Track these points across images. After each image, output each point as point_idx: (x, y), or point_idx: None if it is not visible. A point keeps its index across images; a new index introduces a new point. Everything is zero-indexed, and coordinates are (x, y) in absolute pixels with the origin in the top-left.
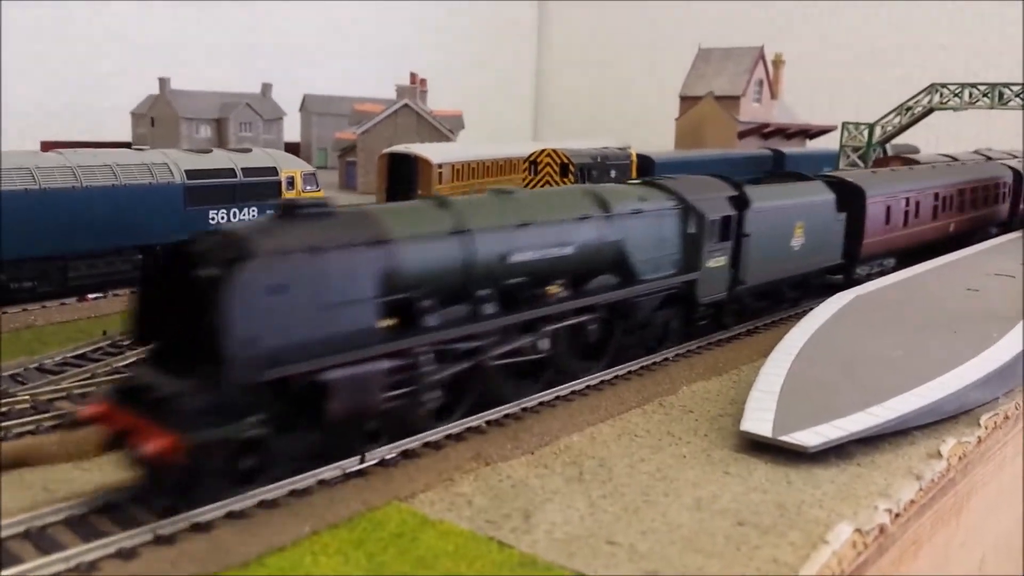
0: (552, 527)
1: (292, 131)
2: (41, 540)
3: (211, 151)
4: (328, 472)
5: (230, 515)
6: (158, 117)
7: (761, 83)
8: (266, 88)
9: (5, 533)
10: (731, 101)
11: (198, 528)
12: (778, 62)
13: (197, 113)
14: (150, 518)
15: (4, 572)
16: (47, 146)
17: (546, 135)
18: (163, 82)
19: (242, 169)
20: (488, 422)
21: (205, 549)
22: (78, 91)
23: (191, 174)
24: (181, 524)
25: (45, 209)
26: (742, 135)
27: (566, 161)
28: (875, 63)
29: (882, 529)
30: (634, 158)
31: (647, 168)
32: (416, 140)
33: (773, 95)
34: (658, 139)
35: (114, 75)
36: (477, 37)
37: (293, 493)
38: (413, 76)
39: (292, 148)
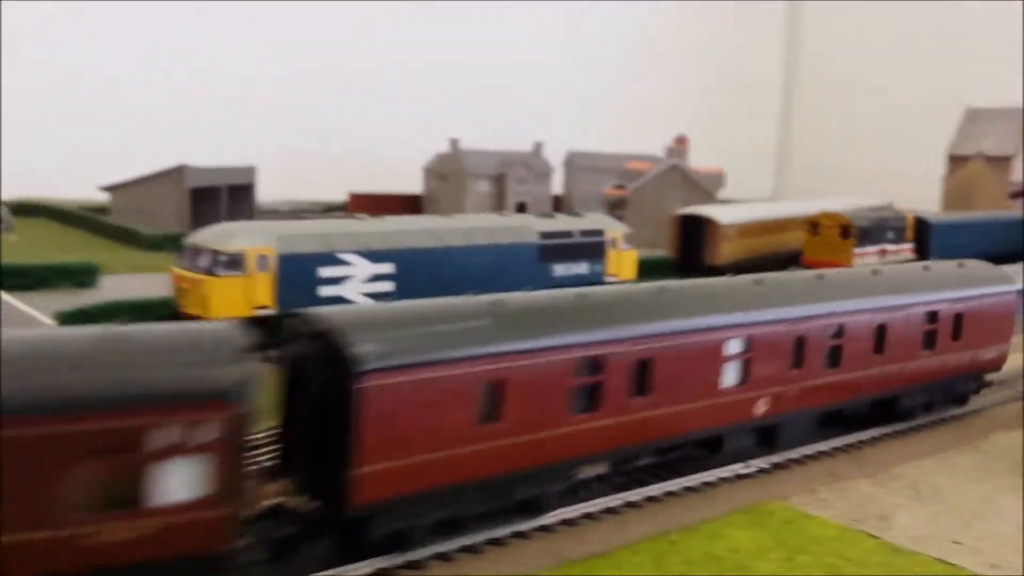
0: (905, 528)
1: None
2: None
3: (554, 216)
4: (724, 472)
5: (668, 494)
6: (448, 173)
7: None
8: (537, 146)
9: None
10: (1002, 162)
11: (652, 499)
12: None
13: (480, 170)
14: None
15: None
16: (353, 196)
17: (788, 191)
18: (454, 142)
19: (578, 231)
20: (834, 448)
21: (652, 516)
22: (366, 146)
23: (543, 235)
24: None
25: (445, 264)
26: (1014, 196)
27: (847, 223)
28: None
29: None
30: (910, 220)
31: (923, 231)
32: (681, 198)
33: None
34: (913, 196)
35: (403, 131)
36: (725, 92)
37: (706, 484)
38: (681, 138)
39: (556, 202)
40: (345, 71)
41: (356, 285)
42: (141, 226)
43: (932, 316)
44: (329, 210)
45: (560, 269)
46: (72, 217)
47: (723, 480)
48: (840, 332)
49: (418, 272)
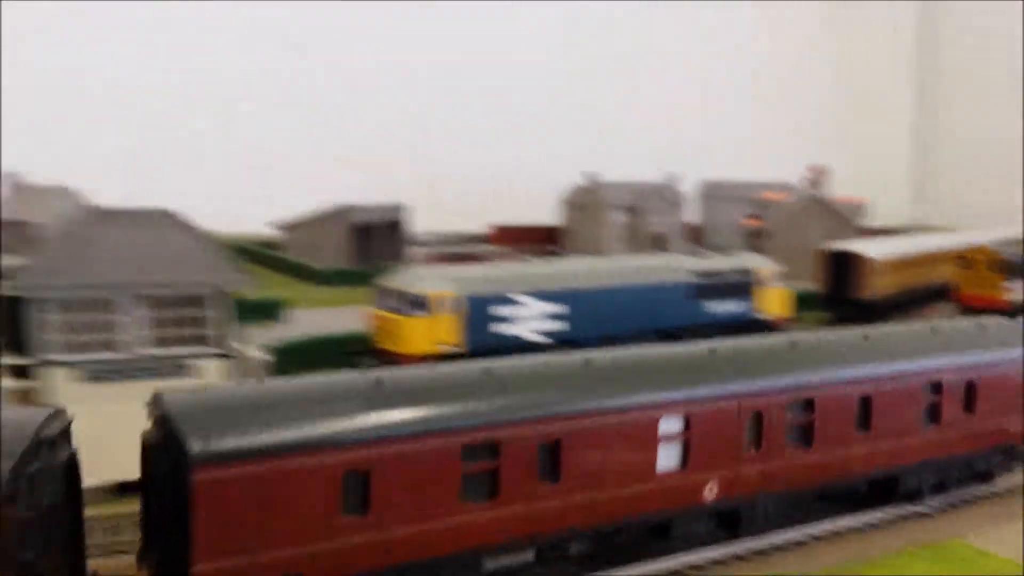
0: None
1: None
2: None
3: (703, 253)
4: (901, 511)
5: (849, 529)
6: (585, 205)
7: None
8: (671, 177)
9: None
10: None
11: (836, 534)
12: None
13: (616, 201)
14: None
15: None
16: (494, 227)
17: (927, 218)
18: (591, 175)
19: (728, 270)
20: (1007, 489)
21: (837, 548)
22: (496, 175)
23: (696, 274)
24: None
25: (606, 302)
26: None
27: (996, 258)
28: None
29: None
30: None
31: None
32: (822, 229)
33: None
34: None
35: (533, 161)
36: (856, 116)
37: (882, 521)
38: (819, 168)
39: (691, 231)
40: (472, 101)
41: (529, 324)
42: (310, 261)
43: (935, 386)
44: (471, 241)
45: (713, 307)
46: (245, 252)
47: (901, 517)
48: (810, 406)
49: (584, 311)
